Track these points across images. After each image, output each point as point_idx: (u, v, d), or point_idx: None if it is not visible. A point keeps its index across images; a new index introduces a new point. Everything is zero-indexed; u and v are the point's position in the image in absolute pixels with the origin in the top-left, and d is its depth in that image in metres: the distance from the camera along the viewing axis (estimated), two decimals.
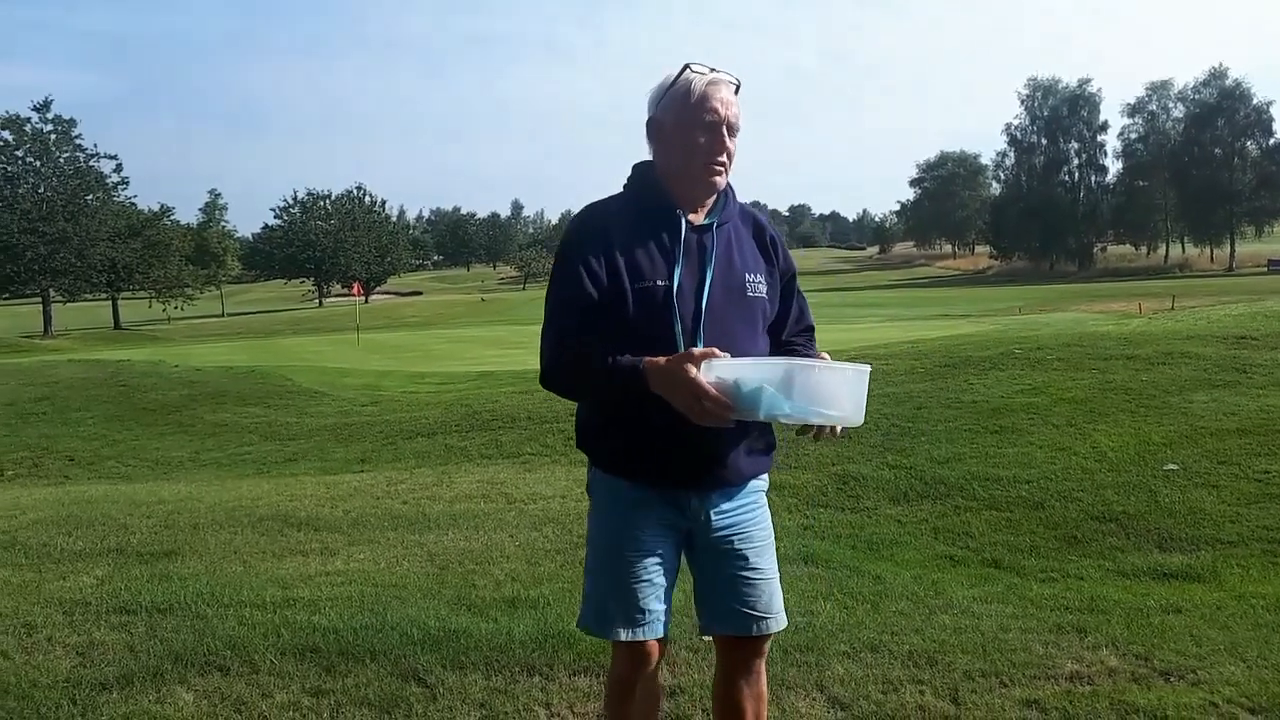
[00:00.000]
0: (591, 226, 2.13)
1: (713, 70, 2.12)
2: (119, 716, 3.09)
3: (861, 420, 2.00)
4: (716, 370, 1.90)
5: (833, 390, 1.95)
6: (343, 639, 3.73)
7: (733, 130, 2.13)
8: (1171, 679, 3.40)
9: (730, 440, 2.12)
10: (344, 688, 3.31)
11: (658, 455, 2.11)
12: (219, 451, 12.18)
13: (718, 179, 2.15)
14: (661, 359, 1.94)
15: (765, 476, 2.30)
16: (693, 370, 1.89)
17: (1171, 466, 6.72)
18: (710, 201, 2.19)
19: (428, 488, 7.89)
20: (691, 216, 2.15)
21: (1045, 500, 6.43)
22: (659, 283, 2.07)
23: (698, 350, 1.91)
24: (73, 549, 5.64)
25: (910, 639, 3.80)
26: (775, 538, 2.36)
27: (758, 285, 2.19)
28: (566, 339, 2.08)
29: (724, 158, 2.13)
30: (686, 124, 2.09)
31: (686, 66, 2.11)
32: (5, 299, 58.36)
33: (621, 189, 2.23)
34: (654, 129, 2.16)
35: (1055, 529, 6.02)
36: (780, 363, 1.94)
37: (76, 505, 7.33)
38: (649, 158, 2.23)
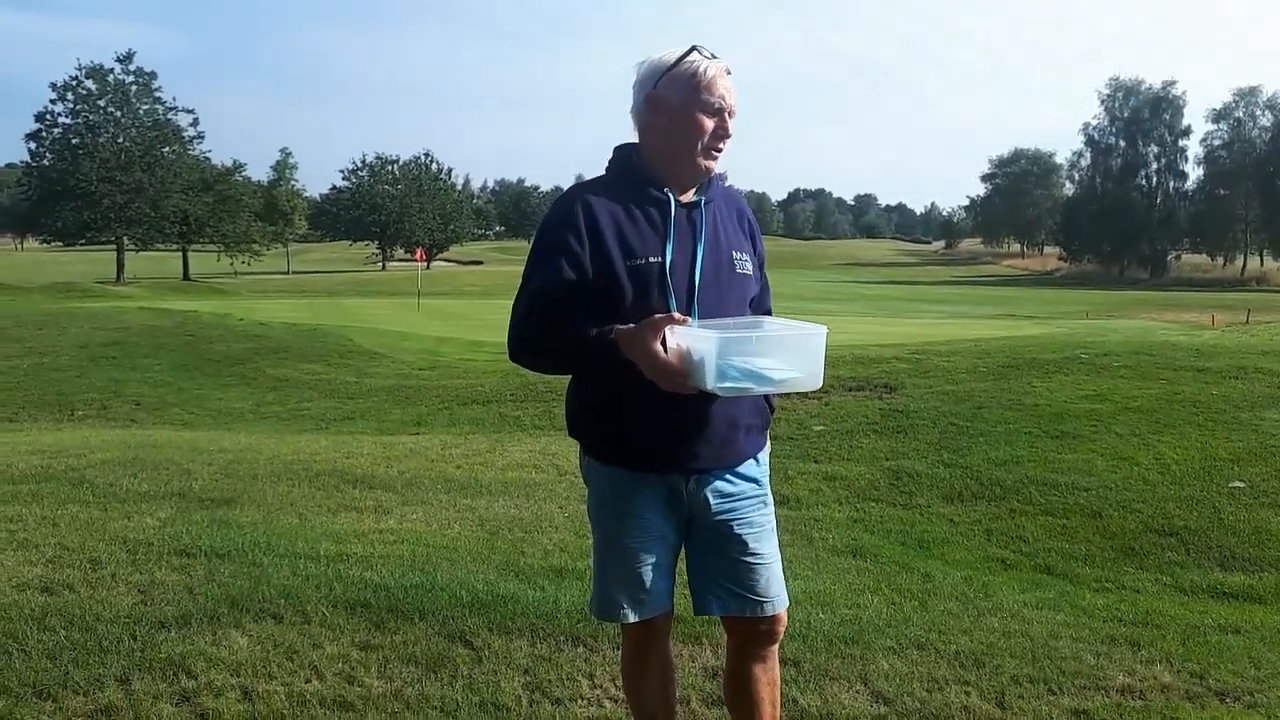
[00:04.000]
0: (575, 207, 2.11)
1: (713, 56, 2.12)
2: (176, 655, 3.18)
3: (819, 383, 1.98)
4: (679, 337, 1.92)
5: (779, 355, 1.94)
6: (393, 596, 3.79)
7: (732, 116, 2.15)
8: (1227, 699, 3.32)
9: (720, 421, 2.12)
10: (392, 644, 3.37)
11: (648, 441, 2.11)
12: (279, 406, 12.44)
13: (713, 163, 2.16)
14: (631, 325, 1.95)
15: (765, 459, 2.29)
16: (653, 337, 1.90)
17: (1238, 484, 6.55)
18: (696, 181, 2.19)
19: (481, 454, 7.97)
20: (678, 195, 2.15)
21: (1103, 509, 6.30)
22: (651, 260, 2.07)
23: (659, 316, 1.92)
24: (137, 490, 5.80)
25: (958, 639, 3.76)
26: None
27: (744, 262, 2.22)
28: (538, 312, 2.07)
29: (723, 144, 2.15)
30: (694, 105, 2.10)
31: (694, 48, 2.11)
32: (81, 245, 59.93)
33: (604, 170, 2.22)
34: (654, 105, 2.13)
35: (1112, 539, 5.90)
36: (717, 334, 1.90)
37: (142, 448, 7.53)
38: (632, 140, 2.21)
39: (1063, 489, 6.66)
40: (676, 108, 2.11)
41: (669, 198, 2.13)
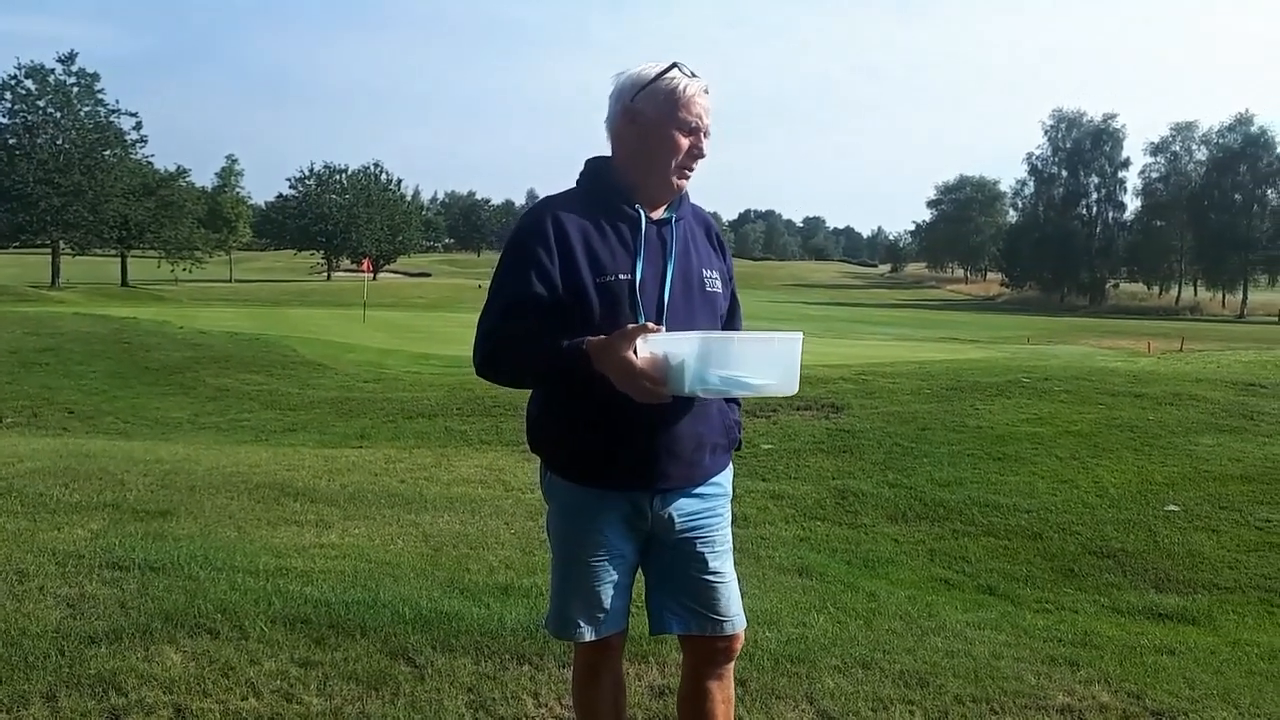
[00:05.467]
0: (545, 220, 2.08)
1: (693, 74, 2.11)
2: (106, 671, 3.07)
3: (795, 389, 2.01)
4: (651, 345, 1.92)
5: (757, 360, 1.97)
6: (334, 612, 3.71)
7: (708, 137, 2.15)
8: (1163, 719, 3.37)
9: (688, 440, 2.11)
10: (333, 661, 3.29)
11: (617, 459, 2.09)
12: (219, 416, 12.19)
13: (685, 182, 2.16)
14: (603, 336, 1.94)
15: (729, 476, 2.29)
16: (625, 347, 1.89)
17: (1173, 507, 6.70)
18: (667, 198, 2.19)
19: (426, 468, 7.88)
20: (649, 211, 2.14)
21: (1044, 531, 6.41)
22: (621, 276, 2.05)
23: (631, 326, 1.91)
24: (69, 501, 5.63)
25: (902, 659, 3.77)
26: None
27: (714, 280, 2.22)
28: (507, 325, 2.04)
29: (696, 164, 2.14)
30: (670, 123, 2.08)
31: (674, 64, 2.10)
32: (15, 248, 58.41)
33: (575, 183, 2.20)
34: (630, 118, 2.11)
35: (1052, 560, 6.00)
36: (698, 336, 1.93)
37: (74, 458, 7.32)
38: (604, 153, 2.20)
39: (1004, 510, 6.76)
40: (653, 123, 2.09)
41: (640, 214, 2.12)
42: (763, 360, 1.97)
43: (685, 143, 2.10)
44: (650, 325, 1.92)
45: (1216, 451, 7.81)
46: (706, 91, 2.12)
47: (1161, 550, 6.08)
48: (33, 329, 18.36)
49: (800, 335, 2.00)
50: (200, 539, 4.88)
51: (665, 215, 2.16)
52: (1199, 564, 5.90)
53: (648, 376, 1.90)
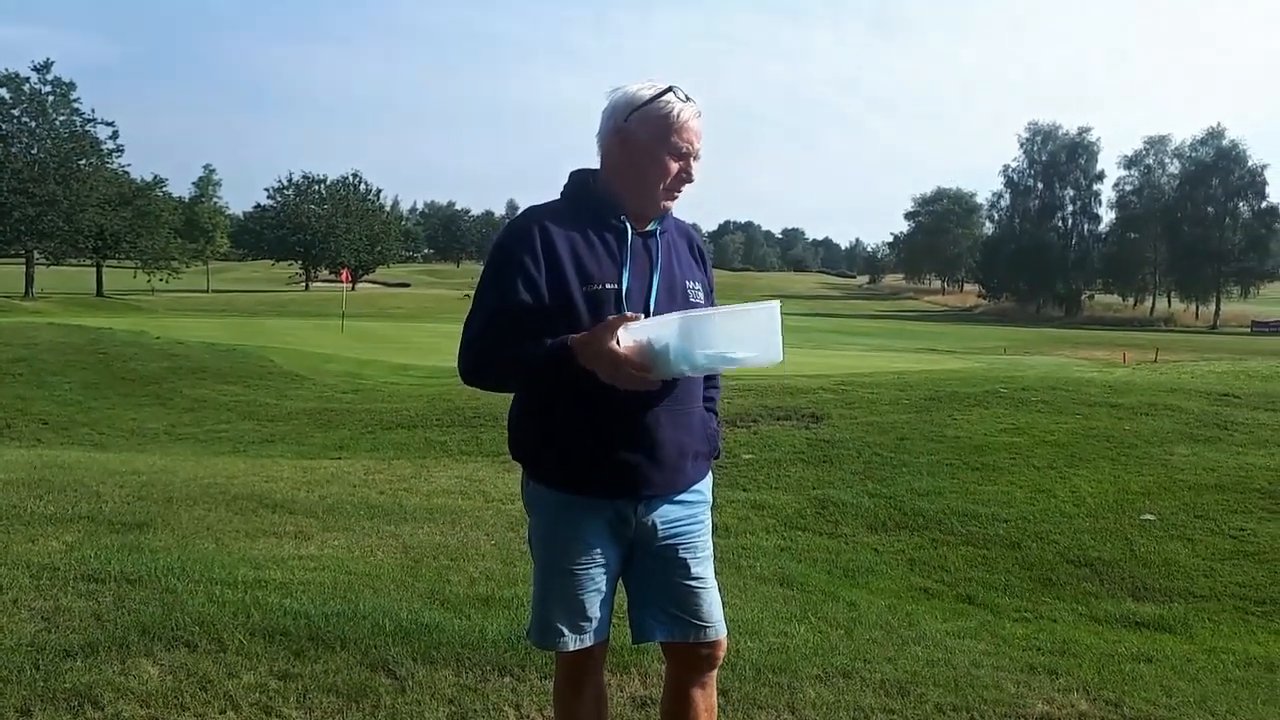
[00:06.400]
0: (533, 229, 2.10)
1: (688, 99, 2.13)
2: (82, 685, 3.03)
3: (779, 357, 2.02)
4: (633, 333, 1.94)
5: (739, 333, 1.98)
6: (313, 624, 3.68)
7: (697, 160, 2.17)
8: None
9: (671, 447, 2.13)
10: (312, 673, 3.26)
11: (601, 467, 2.10)
12: (196, 427, 12.09)
13: (671, 203, 2.19)
14: (585, 332, 1.96)
15: (709, 484, 2.31)
16: (608, 338, 1.91)
17: (1149, 517, 6.76)
18: (652, 216, 2.21)
19: (405, 480, 7.84)
20: (635, 223, 2.17)
21: (1022, 540, 6.45)
22: (608, 285, 2.08)
23: (612, 317, 1.93)
24: (43, 513, 5.56)
25: (883, 668, 3.79)
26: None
27: (696, 292, 2.24)
28: (492, 332, 2.06)
29: (685, 187, 2.17)
30: (662, 147, 2.10)
31: (670, 88, 2.12)
32: None
33: (559, 195, 2.22)
34: (622, 137, 2.13)
35: (1031, 569, 6.04)
36: (678, 316, 1.96)
37: (49, 469, 7.24)
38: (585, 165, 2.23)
39: (983, 520, 6.80)
40: (644, 145, 2.11)
41: (626, 225, 2.14)
42: (744, 333, 1.99)
43: (675, 167, 2.13)
44: (630, 315, 1.94)
45: (1191, 461, 7.89)
46: (700, 116, 2.14)
47: (1138, 559, 6.13)
48: (7, 339, 18.15)
49: (777, 303, 2.02)
50: (177, 551, 4.83)
51: (651, 227, 2.19)
52: (1175, 573, 5.95)
53: (633, 364, 1.92)
